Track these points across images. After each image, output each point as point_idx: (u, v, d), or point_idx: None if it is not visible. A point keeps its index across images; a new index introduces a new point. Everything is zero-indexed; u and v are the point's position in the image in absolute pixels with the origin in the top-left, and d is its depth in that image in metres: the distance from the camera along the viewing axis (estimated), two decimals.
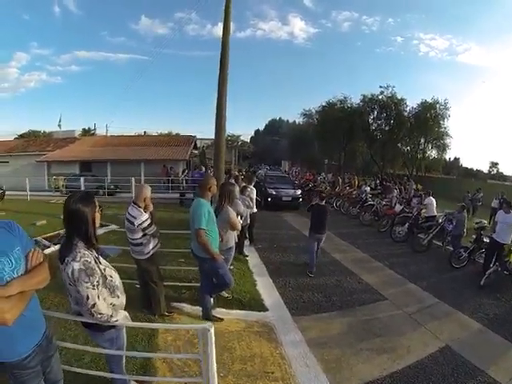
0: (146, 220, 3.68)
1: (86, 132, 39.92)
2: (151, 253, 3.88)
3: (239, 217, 5.20)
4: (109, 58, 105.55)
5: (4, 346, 1.67)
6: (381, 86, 26.38)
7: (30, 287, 1.69)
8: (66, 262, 1.94)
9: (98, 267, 2.02)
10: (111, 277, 2.14)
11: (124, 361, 2.65)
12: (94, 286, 1.95)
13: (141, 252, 3.80)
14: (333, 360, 3.75)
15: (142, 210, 3.69)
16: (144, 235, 3.73)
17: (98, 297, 1.99)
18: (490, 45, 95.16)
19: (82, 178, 16.45)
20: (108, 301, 2.08)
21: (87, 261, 1.94)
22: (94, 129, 39.38)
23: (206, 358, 2.24)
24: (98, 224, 2.11)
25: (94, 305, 1.96)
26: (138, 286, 4.29)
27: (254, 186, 8.22)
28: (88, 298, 1.94)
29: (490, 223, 8.38)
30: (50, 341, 1.95)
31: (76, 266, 1.90)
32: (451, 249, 8.06)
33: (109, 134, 34.47)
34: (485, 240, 7.37)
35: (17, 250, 1.70)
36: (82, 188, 15.64)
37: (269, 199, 13.96)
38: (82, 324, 2.30)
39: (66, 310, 3.12)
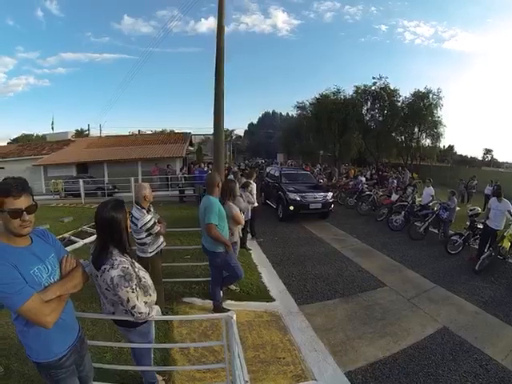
0: (150, 221, 3.72)
1: (80, 133, 39.52)
2: (156, 251, 3.95)
3: (242, 212, 5.38)
4: (95, 59, 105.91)
5: (41, 347, 1.77)
6: (373, 78, 26.46)
7: (67, 291, 1.79)
8: (102, 269, 2.02)
9: (134, 271, 2.13)
10: (144, 278, 2.27)
11: (152, 354, 2.80)
12: (133, 289, 2.06)
13: (145, 250, 3.86)
14: (338, 343, 3.98)
15: (144, 211, 3.74)
16: (148, 235, 3.79)
17: (137, 298, 2.11)
18: (475, 30, 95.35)
19: (81, 181, 16.37)
20: (142, 299, 2.20)
21: (125, 267, 2.03)
22: (88, 130, 39.11)
23: (231, 344, 2.45)
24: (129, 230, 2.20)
25: (134, 306, 2.09)
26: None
27: (262, 189, 7.96)
28: (129, 300, 2.06)
29: (483, 210, 8.60)
30: (83, 341, 2.07)
31: (115, 273, 1.98)
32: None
33: (103, 134, 34.13)
34: (479, 226, 7.61)
35: (51, 257, 1.79)
36: (82, 190, 15.69)
37: (291, 208, 10.17)
38: (114, 323, 2.45)
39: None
